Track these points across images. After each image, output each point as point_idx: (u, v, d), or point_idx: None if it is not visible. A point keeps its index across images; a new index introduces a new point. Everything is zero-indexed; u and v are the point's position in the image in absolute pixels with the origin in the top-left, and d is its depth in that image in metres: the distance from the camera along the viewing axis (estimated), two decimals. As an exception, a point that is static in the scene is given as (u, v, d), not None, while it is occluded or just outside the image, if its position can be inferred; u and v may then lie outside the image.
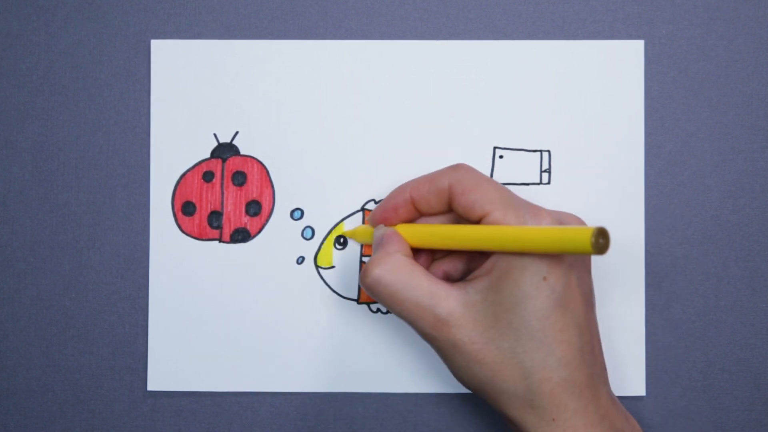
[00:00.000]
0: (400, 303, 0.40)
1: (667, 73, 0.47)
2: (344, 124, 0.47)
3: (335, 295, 0.47)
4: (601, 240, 0.35)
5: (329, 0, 0.47)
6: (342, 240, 0.47)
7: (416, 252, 0.43)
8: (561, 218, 0.40)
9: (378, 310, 0.47)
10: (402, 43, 0.47)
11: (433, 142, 0.47)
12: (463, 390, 0.46)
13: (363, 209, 0.47)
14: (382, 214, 0.44)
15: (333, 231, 0.47)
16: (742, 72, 0.47)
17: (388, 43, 0.47)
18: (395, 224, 0.43)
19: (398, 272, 0.40)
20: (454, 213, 0.42)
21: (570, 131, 0.47)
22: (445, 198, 0.41)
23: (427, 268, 0.44)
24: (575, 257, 0.40)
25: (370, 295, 0.41)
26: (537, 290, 0.38)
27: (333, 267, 0.47)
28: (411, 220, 0.43)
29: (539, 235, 0.37)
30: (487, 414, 0.47)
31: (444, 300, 0.40)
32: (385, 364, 0.47)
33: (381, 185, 0.47)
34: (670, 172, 0.47)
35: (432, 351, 0.47)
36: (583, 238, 0.35)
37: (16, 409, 0.47)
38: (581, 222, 0.41)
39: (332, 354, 0.47)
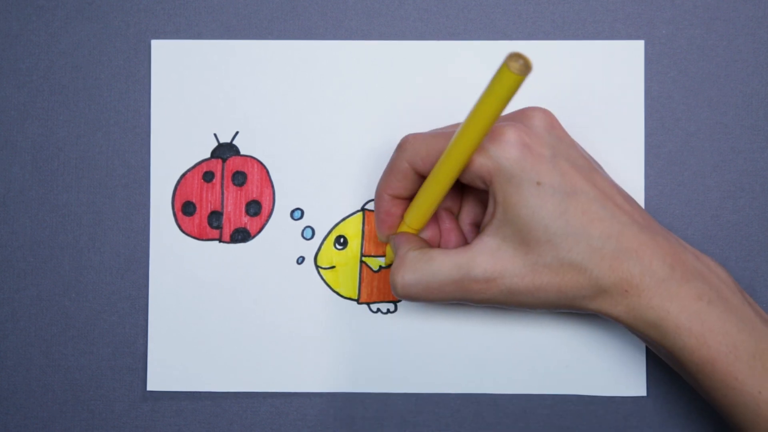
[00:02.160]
0: (438, 290, 0.40)
1: (667, 73, 0.47)
2: (344, 124, 0.47)
3: (335, 295, 0.47)
4: (519, 61, 0.34)
5: (329, 0, 0.47)
6: (342, 240, 0.47)
7: (439, 219, 0.43)
8: None
9: (378, 310, 0.47)
10: (402, 43, 0.47)
11: (433, 142, 0.47)
12: (463, 390, 0.46)
13: (363, 209, 0.47)
14: (383, 226, 0.44)
15: (333, 231, 0.47)
16: (742, 72, 0.47)
17: (388, 43, 0.47)
18: (398, 223, 0.44)
19: (418, 267, 0.41)
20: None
21: (570, 131, 0.47)
22: (413, 176, 0.42)
23: (458, 227, 0.44)
24: (551, 146, 0.39)
25: (411, 301, 0.42)
26: (539, 198, 0.38)
27: (333, 267, 0.47)
28: (405, 210, 0.43)
29: (478, 107, 0.37)
30: (487, 414, 0.47)
31: (471, 262, 0.40)
32: (386, 364, 0.47)
33: (381, 185, 0.47)
34: (670, 172, 0.47)
35: (429, 350, 0.47)
36: (503, 73, 0.35)
37: (16, 409, 0.47)
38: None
39: (332, 354, 0.47)
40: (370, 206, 0.47)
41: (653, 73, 0.47)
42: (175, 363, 0.47)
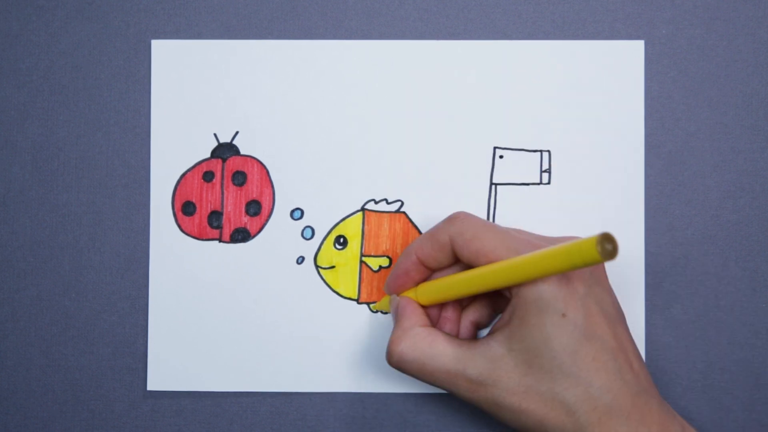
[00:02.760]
0: (431, 374, 0.41)
1: (667, 73, 0.47)
2: (344, 124, 0.47)
3: (335, 295, 0.47)
4: (607, 245, 0.34)
5: (329, 0, 0.47)
6: (342, 240, 0.47)
7: (441, 309, 0.44)
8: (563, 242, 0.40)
9: (378, 310, 0.47)
10: (402, 43, 0.47)
11: (433, 142, 0.47)
12: (463, 390, 0.46)
13: (363, 209, 0.47)
14: (396, 282, 0.44)
15: (333, 231, 0.47)
16: (742, 72, 0.47)
17: (388, 43, 0.47)
18: (410, 287, 0.44)
19: (419, 346, 0.41)
20: (463, 265, 0.42)
21: (570, 131, 0.47)
22: (449, 251, 0.42)
23: (458, 320, 0.44)
24: (588, 285, 0.40)
25: (401, 371, 0.42)
26: (559, 329, 0.38)
27: (333, 267, 0.47)
28: (424, 279, 0.44)
29: (546, 257, 0.37)
30: (487, 414, 0.47)
31: (470, 361, 0.40)
32: (385, 364, 0.47)
33: (381, 185, 0.47)
34: (670, 172, 0.47)
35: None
36: (589, 248, 0.35)
37: (16, 409, 0.47)
38: None
39: (332, 354, 0.47)
40: (370, 206, 0.47)
41: (653, 73, 0.47)
42: (175, 363, 0.47)
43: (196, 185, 0.47)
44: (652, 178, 0.47)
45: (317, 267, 0.47)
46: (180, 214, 0.47)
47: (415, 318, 0.42)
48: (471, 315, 0.44)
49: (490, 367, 0.40)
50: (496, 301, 0.44)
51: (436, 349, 0.41)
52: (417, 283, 0.44)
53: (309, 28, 0.47)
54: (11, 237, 0.47)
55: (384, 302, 0.46)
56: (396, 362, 0.41)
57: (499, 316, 0.43)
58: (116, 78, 0.48)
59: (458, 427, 0.47)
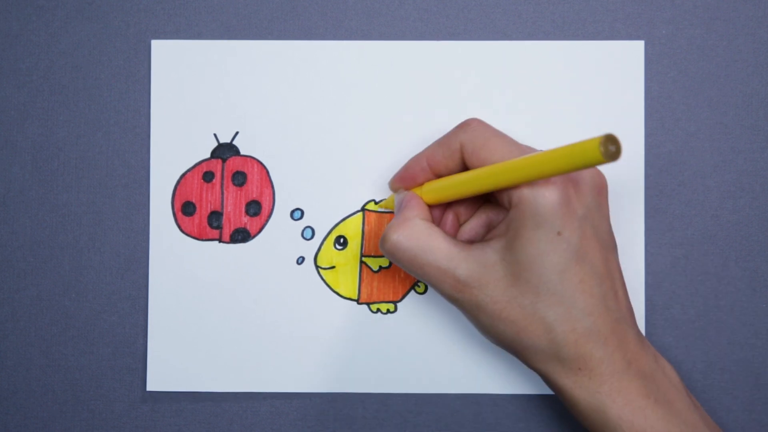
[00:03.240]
0: (420, 267, 0.41)
1: (667, 73, 0.47)
2: (344, 124, 0.47)
3: (335, 295, 0.47)
4: (611, 147, 0.34)
5: (329, 0, 0.47)
6: (342, 240, 0.47)
7: (442, 216, 0.44)
8: None
9: (378, 310, 0.47)
10: (402, 43, 0.47)
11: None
12: (463, 390, 0.46)
13: (363, 209, 0.47)
14: (401, 183, 0.44)
15: (333, 231, 0.47)
16: (742, 72, 0.47)
17: (388, 43, 0.47)
18: (414, 187, 0.44)
19: (416, 237, 0.41)
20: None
21: (570, 131, 0.47)
22: (458, 158, 0.42)
23: (455, 230, 0.44)
24: (587, 208, 0.39)
25: (391, 260, 0.42)
26: (552, 246, 0.38)
27: (333, 267, 0.47)
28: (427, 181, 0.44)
29: (548, 157, 0.36)
30: (487, 414, 0.47)
31: (463, 262, 0.40)
32: (385, 364, 0.47)
33: (381, 185, 0.47)
34: (670, 172, 0.47)
35: (429, 350, 0.47)
36: (592, 148, 0.34)
37: (16, 409, 0.47)
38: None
39: (332, 354, 0.47)
40: (370, 206, 0.47)
41: (653, 73, 0.47)
42: (175, 363, 0.47)
43: (196, 185, 0.47)
44: (652, 178, 0.47)
45: (317, 267, 0.47)
46: (180, 214, 0.47)
47: (417, 210, 0.42)
48: (467, 232, 0.44)
49: (481, 271, 0.40)
50: (492, 221, 0.44)
51: (432, 243, 0.40)
52: (422, 184, 0.43)
53: (309, 29, 0.47)
54: (11, 237, 0.47)
55: (390, 201, 0.46)
56: (389, 248, 0.41)
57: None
58: (116, 78, 0.48)
59: (458, 427, 0.47)
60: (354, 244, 0.47)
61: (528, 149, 0.40)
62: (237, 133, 0.47)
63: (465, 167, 0.42)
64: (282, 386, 0.47)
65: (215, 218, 0.47)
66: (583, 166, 0.35)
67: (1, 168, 0.47)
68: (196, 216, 0.47)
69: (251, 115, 0.47)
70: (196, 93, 0.47)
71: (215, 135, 0.47)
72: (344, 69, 0.47)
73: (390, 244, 0.41)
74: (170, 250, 0.47)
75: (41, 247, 0.47)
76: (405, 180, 0.44)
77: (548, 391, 0.46)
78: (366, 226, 0.47)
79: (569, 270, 0.38)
